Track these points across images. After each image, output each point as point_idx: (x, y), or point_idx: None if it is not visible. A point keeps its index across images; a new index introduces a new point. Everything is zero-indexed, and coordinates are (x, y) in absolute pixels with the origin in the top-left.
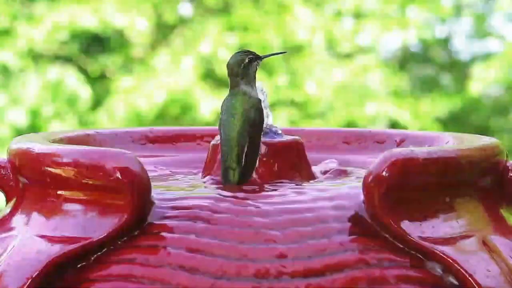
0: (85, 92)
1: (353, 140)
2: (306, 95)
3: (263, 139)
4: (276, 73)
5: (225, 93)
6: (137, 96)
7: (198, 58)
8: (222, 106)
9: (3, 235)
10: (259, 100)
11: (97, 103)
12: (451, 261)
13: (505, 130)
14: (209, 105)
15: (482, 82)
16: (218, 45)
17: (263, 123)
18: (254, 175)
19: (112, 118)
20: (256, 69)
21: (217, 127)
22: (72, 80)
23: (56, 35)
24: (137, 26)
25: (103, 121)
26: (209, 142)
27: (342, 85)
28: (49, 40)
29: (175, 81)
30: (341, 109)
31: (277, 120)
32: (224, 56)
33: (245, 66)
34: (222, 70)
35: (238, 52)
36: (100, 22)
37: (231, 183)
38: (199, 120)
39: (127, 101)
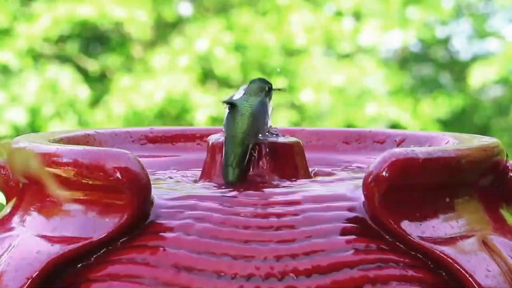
0: (84, 92)
1: (353, 140)
2: (306, 99)
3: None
4: (275, 76)
5: (223, 93)
6: (135, 95)
7: (196, 57)
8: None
9: (3, 235)
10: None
11: (96, 102)
12: (451, 261)
13: (505, 130)
14: (206, 105)
15: (482, 82)
16: (216, 44)
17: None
18: (254, 175)
19: (110, 117)
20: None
21: (217, 127)
22: (71, 80)
23: (56, 29)
24: (137, 18)
25: (101, 119)
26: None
27: (342, 86)
28: (49, 36)
29: (173, 81)
30: (341, 110)
31: (277, 122)
32: (222, 55)
33: (267, 92)
34: (220, 70)
35: (261, 79)
36: (99, 14)
37: (230, 181)
38: (197, 120)
39: (126, 100)
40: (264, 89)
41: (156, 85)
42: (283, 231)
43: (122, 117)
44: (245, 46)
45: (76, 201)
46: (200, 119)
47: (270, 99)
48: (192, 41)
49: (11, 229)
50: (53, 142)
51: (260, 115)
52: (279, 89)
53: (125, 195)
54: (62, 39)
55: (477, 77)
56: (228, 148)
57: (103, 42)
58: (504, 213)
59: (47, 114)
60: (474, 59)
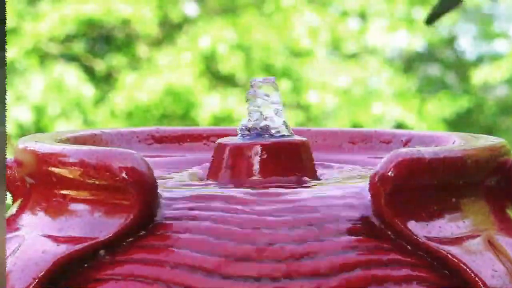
0: (89, 91)
1: (359, 140)
2: (311, 99)
3: (265, 139)
4: (279, 78)
5: (228, 92)
6: (139, 91)
7: (201, 56)
8: None
9: (9, 235)
10: None
11: (101, 101)
12: (457, 261)
13: (511, 130)
14: (209, 103)
15: (488, 82)
16: (220, 43)
17: None
18: (260, 175)
19: (114, 113)
20: None
21: (223, 127)
22: (77, 79)
23: (62, 29)
24: (143, 16)
25: (105, 116)
26: (215, 142)
27: (348, 86)
28: (55, 35)
29: (176, 76)
30: (346, 111)
31: None
32: (226, 55)
33: None
34: (225, 70)
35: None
36: (105, 11)
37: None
38: (201, 118)
39: (129, 96)
40: None
41: (159, 80)
42: (288, 231)
43: (125, 113)
44: (250, 47)
45: (83, 201)
46: (204, 117)
47: None
48: (197, 41)
49: (17, 229)
50: (59, 142)
51: None
52: None
53: (131, 195)
54: (68, 39)
55: (483, 77)
56: None
57: (109, 41)
58: (510, 213)
59: (52, 113)
60: (480, 59)
